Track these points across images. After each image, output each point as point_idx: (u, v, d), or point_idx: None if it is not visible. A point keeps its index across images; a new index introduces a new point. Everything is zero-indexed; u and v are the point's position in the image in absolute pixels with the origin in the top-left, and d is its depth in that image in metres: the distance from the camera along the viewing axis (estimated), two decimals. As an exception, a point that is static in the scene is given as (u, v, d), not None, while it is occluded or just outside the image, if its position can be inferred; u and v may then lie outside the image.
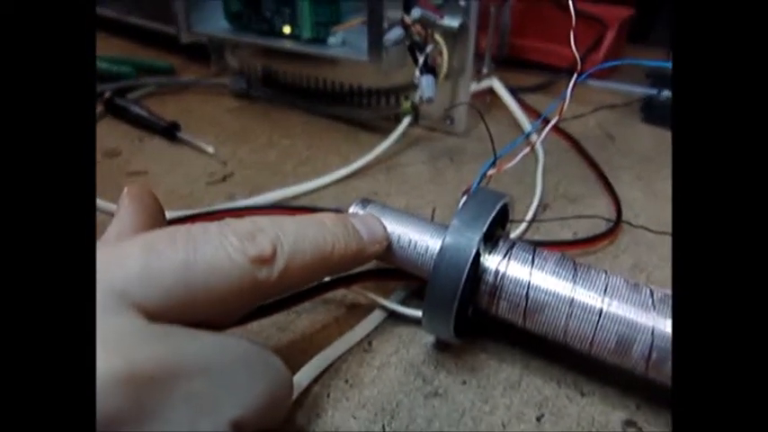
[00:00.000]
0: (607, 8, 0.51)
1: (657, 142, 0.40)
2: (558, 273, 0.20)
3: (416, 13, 0.31)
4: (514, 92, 0.42)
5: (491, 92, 0.41)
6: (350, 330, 0.23)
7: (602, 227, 0.30)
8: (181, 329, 0.14)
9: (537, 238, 0.30)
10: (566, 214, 0.31)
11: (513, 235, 0.29)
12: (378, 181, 0.34)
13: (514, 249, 0.21)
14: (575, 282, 0.19)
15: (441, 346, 0.23)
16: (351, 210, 0.24)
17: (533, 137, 0.30)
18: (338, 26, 0.37)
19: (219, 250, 0.15)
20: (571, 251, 0.28)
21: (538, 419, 0.20)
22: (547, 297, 0.19)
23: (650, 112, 0.43)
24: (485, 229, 0.20)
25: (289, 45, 0.39)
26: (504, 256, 0.20)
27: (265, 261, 0.16)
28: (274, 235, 0.17)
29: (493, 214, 0.20)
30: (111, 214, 0.21)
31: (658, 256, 0.28)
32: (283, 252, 0.17)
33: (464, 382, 0.21)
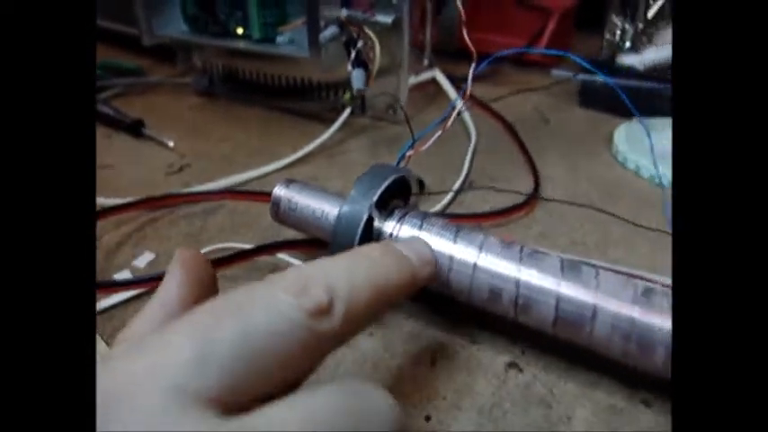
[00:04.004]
0: (551, -3, 0.54)
1: (589, 125, 0.43)
2: (441, 234, 0.23)
3: (344, 12, 0.34)
4: (454, 81, 0.45)
5: (434, 82, 0.44)
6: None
7: (519, 201, 0.33)
8: (256, 414, 0.13)
9: (458, 211, 0.33)
10: (488, 190, 0.34)
11: (434, 209, 0.32)
12: (320, 167, 0.37)
13: (407, 216, 0.24)
14: (455, 241, 0.22)
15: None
16: (275, 189, 0.27)
17: (466, 118, 0.33)
18: (285, 26, 0.40)
19: (273, 312, 0.14)
20: (486, 222, 0.31)
21: (432, 363, 0.23)
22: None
23: (586, 96, 0.46)
24: (375, 198, 0.23)
25: (242, 45, 0.42)
26: (398, 222, 0.24)
27: (324, 312, 0.15)
28: (326, 282, 0.16)
29: (384, 186, 0.23)
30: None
31: (566, 226, 0.31)
32: (340, 298, 0.15)
33: (371, 334, 0.25)
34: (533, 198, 0.33)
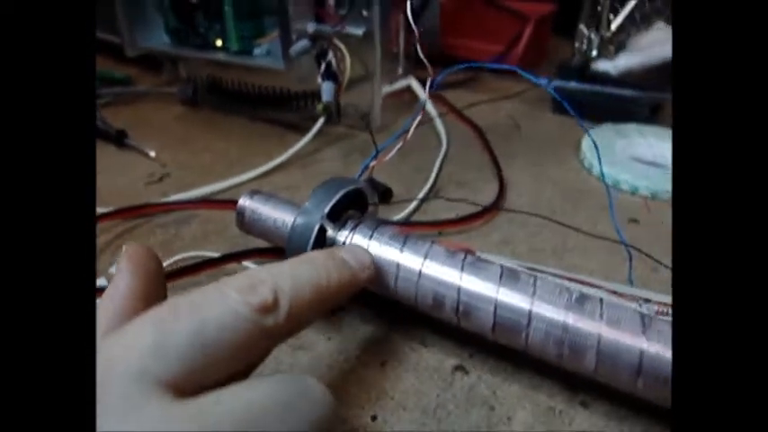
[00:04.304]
0: (530, 4, 0.55)
1: (561, 131, 0.44)
2: (389, 243, 0.24)
3: (311, 27, 0.35)
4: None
5: (410, 90, 0.46)
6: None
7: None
8: (207, 398, 0.15)
9: (422, 218, 0.34)
10: (452, 198, 0.35)
11: (398, 217, 0.33)
12: (293, 176, 0.39)
13: (359, 227, 0.25)
14: (402, 250, 0.24)
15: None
16: (240, 200, 0.28)
17: (438, 125, 0.34)
18: (261, 39, 0.41)
19: (224, 308, 0.16)
20: (448, 229, 0.32)
21: (382, 365, 0.24)
22: (379, 261, 0.24)
23: (559, 102, 0.47)
24: (327, 209, 0.24)
25: (221, 57, 0.43)
26: (351, 232, 0.25)
27: (269, 308, 0.17)
28: (272, 282, 0.17)
29: (336, 198, 0.24)
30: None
31: (526, 232, 0.32)
32: (284, 296, 0.17)
33: (329, 338, 0.26)
34: (492, 209, 0.34)
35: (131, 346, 0.15)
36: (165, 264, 0.30)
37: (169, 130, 0.47)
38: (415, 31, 0.28)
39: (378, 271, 0.24)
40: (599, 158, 0.30)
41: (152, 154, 0.42)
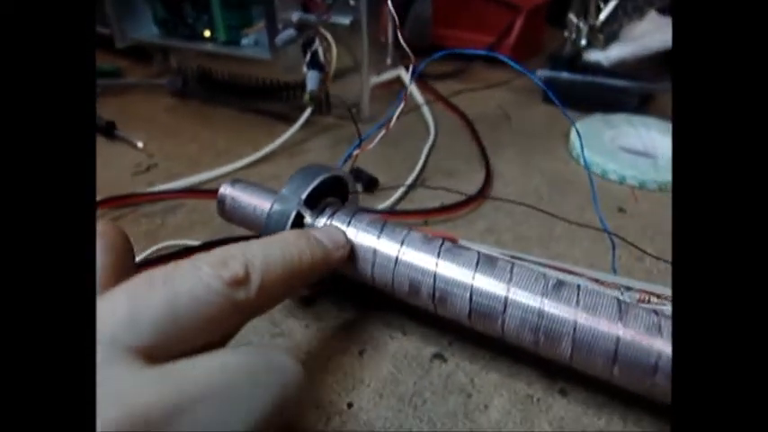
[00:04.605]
0: (523, -5, 0.55)
1: (551, 121, 0.44)
2: (366, 229, 0.24)
3: (295, 16, 0.35)
4: (424, 79, 0.46)
5: (399, 81, 0.45)
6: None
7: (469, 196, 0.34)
8: (176, 364, 0.15)
9: (408, 207, 0.33)
10: (435, 187, 0.35)
11: (383, 205, 0.33)
12: (280, 166, 0.38)
13: (337, 213, 0.25)
14: (379, 236, 0.23)
15: (295, 298, 0.27)
16: (221, 188, 0.28)
17: (426, 115, 0.34)
18: (248, 29, 0.41)
19: (196, 281, 0.16)
20: (433, 218, 0.32)
21: (360, 353, 0.24)
22: (356, 248, 0.24)
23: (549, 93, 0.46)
24: (304, 195, 0.24)
25: (209, 47, 0.43)
26: (329, 218, 0.25)
27: (240, 282, 0.17)
28: (244, 257, 0.18)
29: (313, 184, 0.24)
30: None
31: (512, 221, 0.32)
32: (255, 271, 0.18)
33: (307, 326, 0.26)
34: (477, 197, 0.33)
35: (104, 315, 0.15)
36: (147, 252, 0.30)
37: (158, 121, 0.46)
38: (395, 17, 0.28)
39: (355, 258, 0.24)
40: (581, 146, 0.30)
41: (140, 145, 0.42)
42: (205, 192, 0.35)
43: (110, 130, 0.43)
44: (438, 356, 0.24)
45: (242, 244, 0.19)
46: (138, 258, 0.29)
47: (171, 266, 0.17)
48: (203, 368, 0.15)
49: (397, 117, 0.30)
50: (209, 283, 0.17)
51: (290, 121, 0.44)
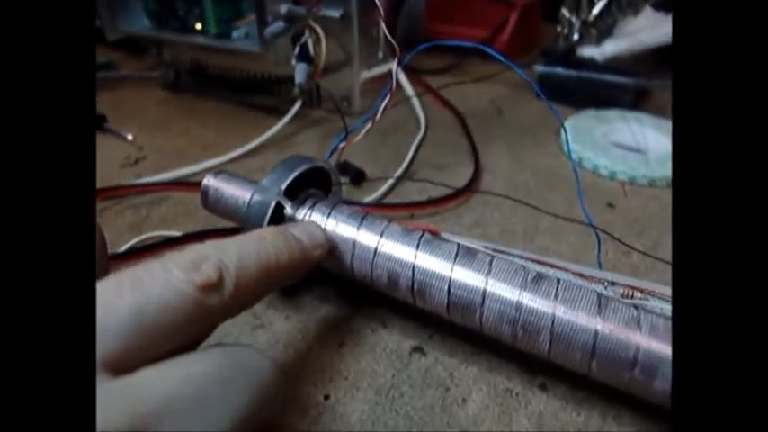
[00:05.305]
0: (518, -9, 0.54)
1: (543, 116, 0.43)
2: (346, 221, 0.23)
3: (283, 9, 0.34)
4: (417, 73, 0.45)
5: (391, 75, 0.45)
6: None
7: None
8: (143, 374, 0.14)
9: (395, 200, 0.33)
10: (420, 179, 0.35)
11: (370, 198, 0.33)
12: (269, 159, 0.38)
13: (317, 205, 0.24)
14: (359, 228, 0.23)
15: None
16: (204, 180, 0.28)
17: (417, 109, 0.34)
18: (239, 21, 0.41)
19: (167, 287, 0.16)
20: (420, 211, 0.32)
21: (339, 345, 0.24)
22: (336, 239, 0.23)
23: (543, 88, 0.46)
24: (284, 186, 0.23)
25: (201, 40, 0.43)
26: (309, 210, 0.24)
27: (213, 287, 0.16)
28: (217, 260, 0.17)
29: (293, 175, 0.24)
30: None
31: (499, 215, 0.32)
32: (229, 274, 0.17)
33: (287, 317, 0.25)
34: (465, 191, 0.33)
35: None
36: (131, 243, 0.30)
37: (149, 114, 0.46)
38: (381, 8, 0.27)
39: (334, 249, 0.23)
40: (567, 140, 0.30)
41: (129, 137, 0.41)
42: (191, 184, 0.35)
43: (100, 123, 0.43)
44: (418, 350, 0.24)
45: (216, 243, 0.18)
46: (122, 249, 0.29)
47: (140, 269, 0.16)
48: (170, 378, 0.14)
49: (387, 110, 0.30)
50: (179, 288, 0.16)
51: (280, 114, 0.44)
